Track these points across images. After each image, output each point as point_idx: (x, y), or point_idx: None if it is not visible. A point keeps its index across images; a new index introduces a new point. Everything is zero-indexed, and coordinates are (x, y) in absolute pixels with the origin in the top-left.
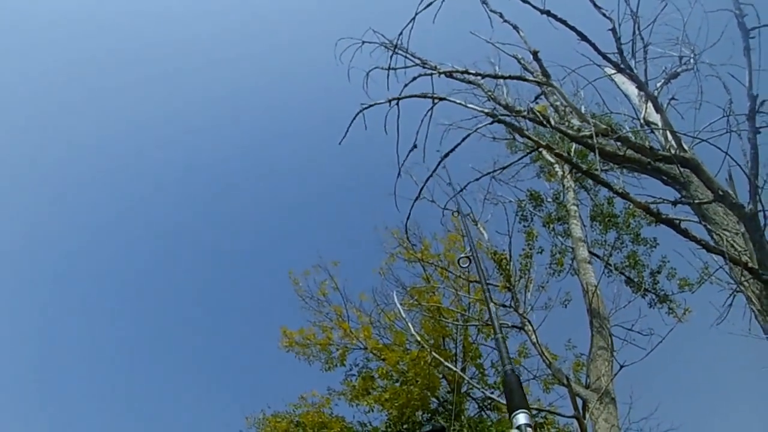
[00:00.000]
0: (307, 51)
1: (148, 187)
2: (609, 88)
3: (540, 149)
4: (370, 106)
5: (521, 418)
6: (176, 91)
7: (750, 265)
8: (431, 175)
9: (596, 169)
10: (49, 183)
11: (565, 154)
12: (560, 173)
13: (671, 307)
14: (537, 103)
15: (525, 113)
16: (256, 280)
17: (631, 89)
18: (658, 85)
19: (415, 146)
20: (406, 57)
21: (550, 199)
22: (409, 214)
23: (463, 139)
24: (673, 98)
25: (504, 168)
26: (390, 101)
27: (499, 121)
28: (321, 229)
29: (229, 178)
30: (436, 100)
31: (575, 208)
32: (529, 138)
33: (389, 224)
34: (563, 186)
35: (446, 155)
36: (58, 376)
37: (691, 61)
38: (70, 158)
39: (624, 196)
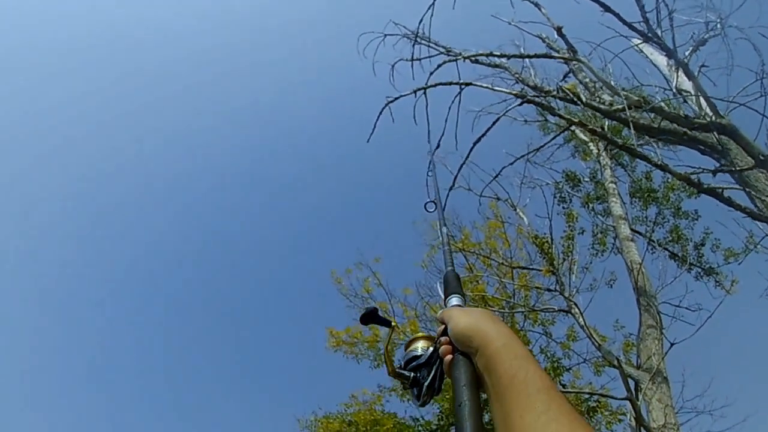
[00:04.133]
0: (334, 49)
1: (191, 194)
2: (637, 61)
3: (573, 127)
4: (396, 99)
5: (453, 300)
6: (216, 94)
7: None
8: (464, 162)
9: (632, 144)
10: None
11: (599, 130)
12: (595, 151)
13: (718, 280)
14: (566, 82)
15: (554, 93)
16: (299, 281)
17: (660, 60)
18: (687, 53)
19: (439, 145)
20: (429, 46)
21: (587, 179)
22: (445, 204)
23: (494, 123)
24: (703, 65)
25: (538, 149)
26: (416, 92)
27: (529, 102)
28: (359, 227)
29: (264, 182)
30: (462, 86)
31: (613, 185)
32: (560, 116)
33: (428, 217)
34: (599, 164)
35: (478, 140)
36: (112, 380)
37: (718, 26)
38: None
39: (663, 167)
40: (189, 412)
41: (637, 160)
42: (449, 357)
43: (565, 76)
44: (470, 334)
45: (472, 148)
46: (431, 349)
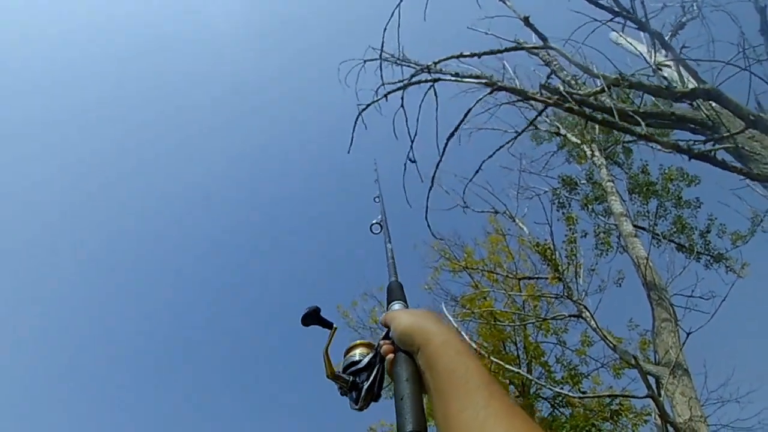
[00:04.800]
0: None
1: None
2: (617, 55)
3: (563, 131)
4: (367, 106)
5: (395, 305)
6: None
7: None
8: (440, 161)
9: (614, 122)
10: None
11: (576, 108)
12: (589, 153)
13: (728, 265)
14: (548, 82)
15: (535, 93)
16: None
17: (641, 48)
18: (667, 37)
19: (413, 161)
20: (407, 65)
21: (584, 181)
22: (427, 209)
23: (466, 115)
24: (684, 46)
25: (515, 137)
26: (386, 96)
27: (499, 89)
28: (360, 257)
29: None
30: (432, 83)
31: (611, 184)
32: (534, 99)
33: (426, 239)
34: (594, 165)
35: (451, 135)
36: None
37: (695, 7)
38: None
39: (649, 138)
40: None
41: (633, 156)
42: (391, 356)
43: (548, 77)
44: (411, 332)
45: (446, 143)
46: (371, 354)
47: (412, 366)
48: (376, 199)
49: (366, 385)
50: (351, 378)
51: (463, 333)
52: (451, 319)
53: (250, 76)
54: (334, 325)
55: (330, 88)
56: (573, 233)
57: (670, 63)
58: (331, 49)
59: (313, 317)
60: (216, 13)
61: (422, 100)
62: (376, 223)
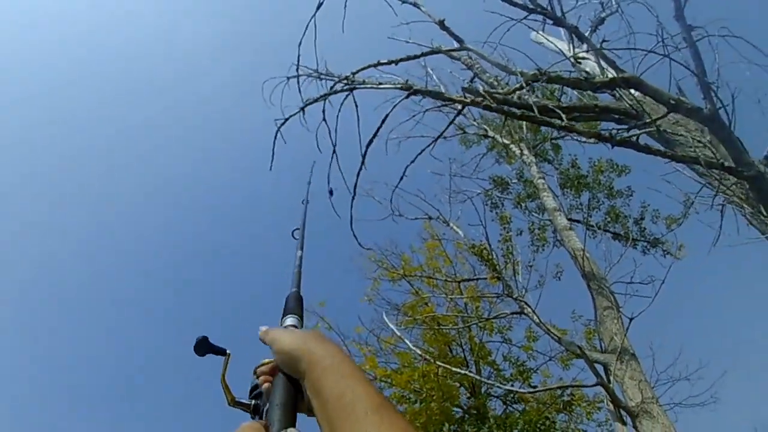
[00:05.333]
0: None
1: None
2: (537, 52)
3: (491, 133)
4: (284, 121)
5: (288, 320)
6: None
7: (726, 164)
8: (361, 168)
9: (534, 116)
10: None
11: (494, 105)
12: (518, 152)
13: (665, 249)
14: (472, 85)
15: (460, 97)
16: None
17: (561, 45)
18: (587, 33)
19: (332, 191)
20: (328, 78)
21: (515, 180)
22: (351, 218)
23: (383, 121)
24: (604, 40)
25: (437, 139)
26: (303, 109)
27: (415, 93)
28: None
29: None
30: (348, 92)
31: (542, 181)
32: (450, 99)
33: (362, 250)
34: (524, 163)
35: (370, 141)
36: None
37: (613, 2)
38: None
39: (569, 129)
40: None
41: (562, 152)
42: (267, 384)
43: (471, 81)
44: (297, 355)
45: (365, 151)
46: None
47: (289, 391)
48: (303, 202)
49: (265, 408)
50: (252, 402)
51: (407, 341)
52: (395, 328)
53: (179, 97)
54: (228, 351)
55: (260, 108)
56: (508, 232)
57: (590, 56)
58: (258, 70)
59: (203, 347)
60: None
61: (339, 111)
62: (297, 228)
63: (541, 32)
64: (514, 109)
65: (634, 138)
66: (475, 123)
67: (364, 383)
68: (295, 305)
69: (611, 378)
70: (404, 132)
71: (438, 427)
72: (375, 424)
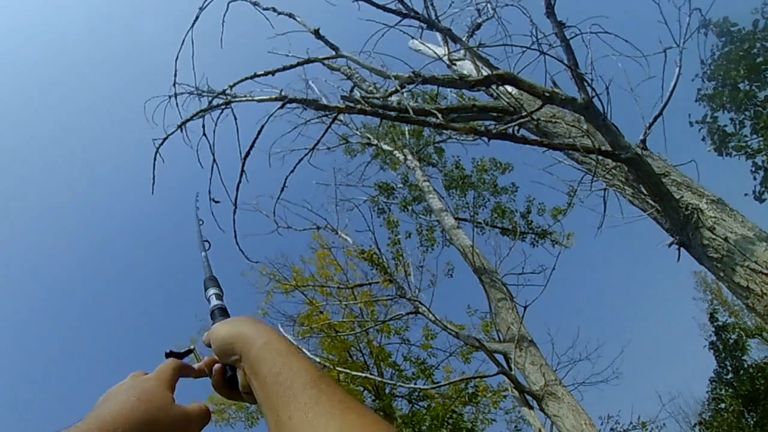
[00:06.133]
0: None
1: None
2: (415, 60)
3: (375, 141)
4: (163, 141)
5: (211, 291)
6: None
7: (604, 148)
8: (240, 180)
9: (408, 116)
10: None
11: (369, 108)
12: (402, 158)
13: (553, 239)
14: (352, 94)
15: (339, 106)
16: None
17: (439, 50)
18: (464, 38)
19: (216, 200)
20: (207, 95)
21: (400, 185)
22: (235, 230)
23: (258, 133)
24: (480, 44)
25: (313, 147)
26: (181, 127)
27: (290, 101)
28: (190, 296)
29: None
30: (223, 107)
31: (427, 184)
32: (324, 107)
33: (252, 264)
34: (409, 168)
35: (247, 154)
36: None
37: (488, 8)
38: None
39: (444, 126)
40: None
41: (445, 155)
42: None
43: (351, 90)
44: (231, 341)
45: (243, 163)
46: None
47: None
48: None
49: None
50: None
51: (305, 350)
52: (292, 338)
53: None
54: (192, 346)
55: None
56: (396, 236)
57: (466, 59)
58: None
59: (174, 355)
60: None
61: (215, 125)
62: (205, 240)
63: (417, 39)
64: (390, 113)
65: (511, 131)
66: (357, 132)
67: (300, 359)
68: (212, 282)
69: (512, 366)
70: (288, 146)
71: None
72: (313, 397)
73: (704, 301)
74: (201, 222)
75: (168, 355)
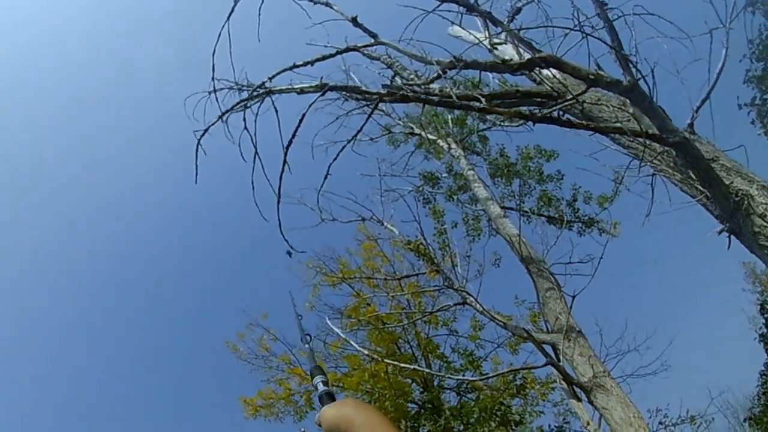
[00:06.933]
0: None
1: None
2: (456, 46)
3: (417, 130)
4: (204, 132)
5: (318, 378)
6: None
7: (651, 132)
8: (283, 170)
9: (452, 101)
10: None
11: (410, 94)
12: (446, 147)
13: (600, 227)
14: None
15: (380, 93)
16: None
17: (479, 35)
18: (505, 22)
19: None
20: (247, 88)
21: (445, 174)
22: (279, 220)
23: (300, 121)
24: (522, 28)
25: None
26: (221, 117)
27: (331, 89)
28: (235, 291)
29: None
30: (264, 96)
31: (472, 172)
32: (365, 92)
33: (300, 258)
34: (453, 157)
35: (289, 143)
36: None
37: None
38: None
39: (488, 110)
40: None
41: (489, 143)
42: None
43: (392, 79)
44: (337, 421)
45: (285, 153)
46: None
47: None
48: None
49: None
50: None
51: (353, 343)
52: (340, 332)
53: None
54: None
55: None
56: (442, 225)
57: (506, 42)
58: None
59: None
60: None
61: (256, 116)
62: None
63: (457, 25)
64: (432, 98)
65: (556, 114)
66: (400, 122)
67: (392, 430)
68: (318, 371)
69: (560, 357)
70: (330, 137)
71: (394, 424)
72: None
73: (753, 292)
74: (300, 317)
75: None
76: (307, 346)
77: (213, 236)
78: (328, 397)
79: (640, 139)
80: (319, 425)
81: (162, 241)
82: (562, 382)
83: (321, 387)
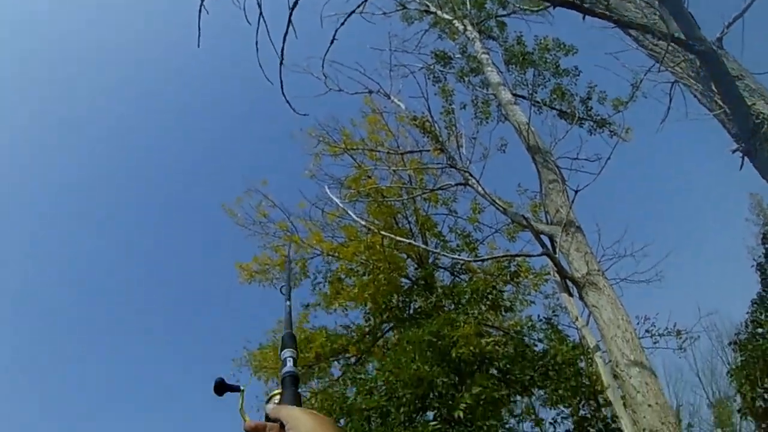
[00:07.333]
0: None
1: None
2: None
3: (433, 9)
4: None
5: (286, 352)
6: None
7: (677, 35)
8: (287, 31)
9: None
10: None
11: None
12: (461, 28)
13: (612, 130)
14: None
15: None
16: (191, 226)
17: None
18: None
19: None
20: None
21: (458, 55)
22: (282, 81)
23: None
24: None
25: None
26: None
27: None
28: (235, 156)
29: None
30: None
31: (486, 56)
32: None
33: (304, 125)
34: (468, 39)
35: (295, 4)
36: None
37: None
38: None
39: None
40: (123, 384)
41: (507, 30)
42: None
43: None
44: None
45: (290, 13)
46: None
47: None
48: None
49: None
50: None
51: (352, 213)
52: (338, 201)
53: None
54: (242, 387)
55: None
56: (450, 105)
57: None
58: None
59: (221, 387)
60: None
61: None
62: (284, 285)
63: None
64: None
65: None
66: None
67: None
68: (291, 342)
69: (557, 249)
70: (341, 9)
71: (386, 298)
72: None
73: (756, 224)
74: (291, 265)
75: (219, 384)
76: (288, 303)
77: (216, 101)
78: (292, 382)
79: (664, 44)
80: (276, 420)
81: (163, 102)
82: (556, 274)
83: (289, 364)
